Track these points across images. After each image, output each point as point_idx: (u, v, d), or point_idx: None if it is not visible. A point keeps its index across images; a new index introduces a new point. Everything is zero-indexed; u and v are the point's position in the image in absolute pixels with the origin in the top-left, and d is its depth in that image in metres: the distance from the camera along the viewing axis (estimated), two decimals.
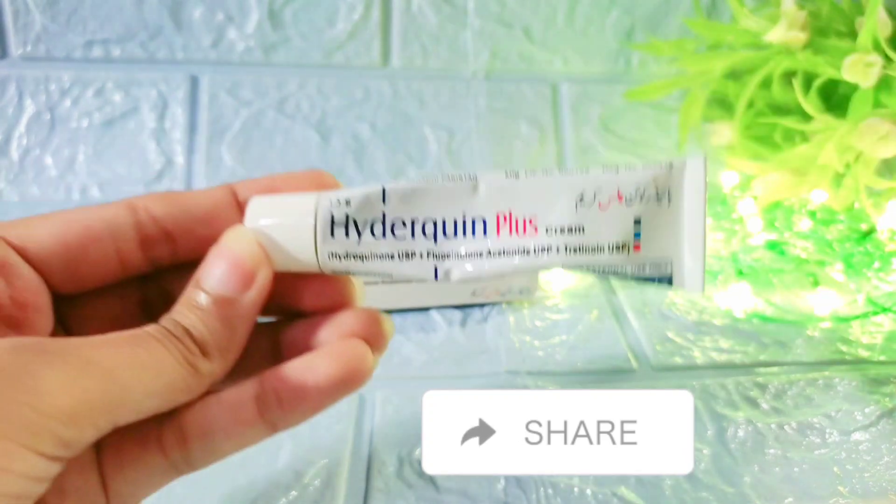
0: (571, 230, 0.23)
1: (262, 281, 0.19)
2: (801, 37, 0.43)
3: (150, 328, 0.17)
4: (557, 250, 0.22)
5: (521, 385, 0.32)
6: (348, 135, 0.52)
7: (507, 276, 0.24)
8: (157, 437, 0.18)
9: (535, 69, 0.54)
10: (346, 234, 0.20)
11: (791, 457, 0.29)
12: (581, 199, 0.23)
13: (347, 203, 0.20)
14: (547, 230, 0.22)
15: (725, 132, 0.49)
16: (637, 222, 0.23)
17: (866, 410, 0.32)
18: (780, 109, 0.48)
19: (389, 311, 0.38)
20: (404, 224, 0.21)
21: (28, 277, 0.18)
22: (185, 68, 0.51)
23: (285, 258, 0.20)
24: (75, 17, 0.49)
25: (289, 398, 0.18)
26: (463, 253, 0.21)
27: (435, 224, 0.21)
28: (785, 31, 0.43)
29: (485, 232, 0.21)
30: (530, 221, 0.22)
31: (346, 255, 0.20)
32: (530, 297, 0.39)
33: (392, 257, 0.21)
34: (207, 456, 0.19)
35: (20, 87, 0.49)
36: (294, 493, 0.27)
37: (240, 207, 0.20)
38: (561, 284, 0.41)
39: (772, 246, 0.43)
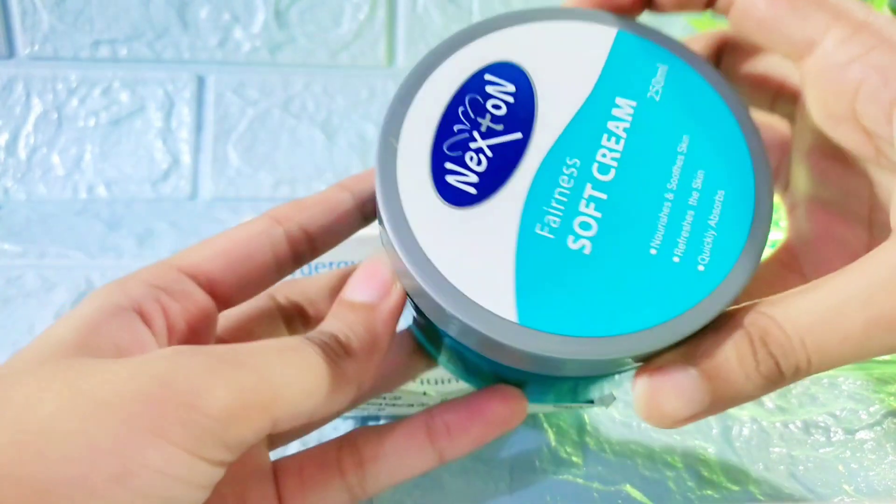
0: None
1: (399, 290, 0.20)
2: None
3: (297, 336, 0.18)
4: None
5: None
6: (353, 134, 0.52)
7: None
8: (337, 459, 0.21)
9: None
10: None
11: (796, 455, 0.29)
12: None
13: None
14: None
15: None
16: None
17: (871, 409, 0.32)
18: None
19: None
20: None
21: (201, 300, 0.20)
22: (192, 68, 0.51)
23: None
24: (82, 16, 0.49)
25: (457, 429, 0.20)
26: None
27: None
28: None
29: None
30: None
31: None
32: None
33: None
34: (381, 479, 0.21)
35: (28, 86, 0.49)
36: None
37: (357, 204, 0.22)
38: None
39: (776, 245, 0.43)
